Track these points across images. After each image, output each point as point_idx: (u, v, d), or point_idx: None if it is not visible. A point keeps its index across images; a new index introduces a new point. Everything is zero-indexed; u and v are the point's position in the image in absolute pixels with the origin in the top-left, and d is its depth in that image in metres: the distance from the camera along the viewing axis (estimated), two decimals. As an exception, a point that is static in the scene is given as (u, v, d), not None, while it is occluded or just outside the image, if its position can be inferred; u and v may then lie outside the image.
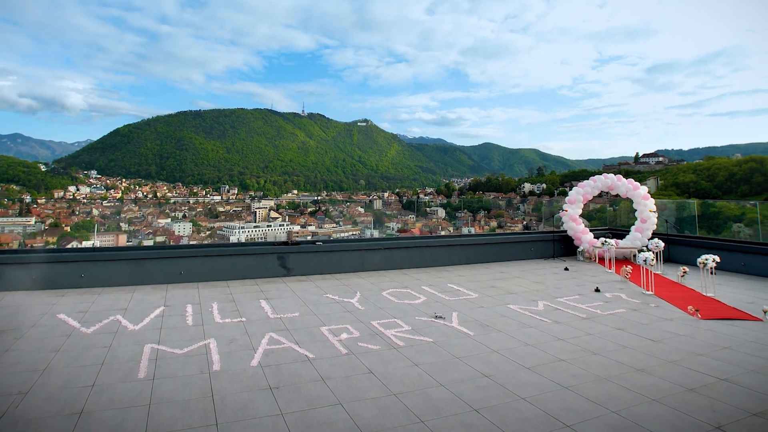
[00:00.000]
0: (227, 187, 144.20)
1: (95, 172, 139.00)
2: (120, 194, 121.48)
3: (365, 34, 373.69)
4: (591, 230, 17.02)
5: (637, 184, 16.28)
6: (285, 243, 13.45)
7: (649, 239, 15.31)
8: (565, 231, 16.83)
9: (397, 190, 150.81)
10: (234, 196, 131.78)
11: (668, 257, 15.78)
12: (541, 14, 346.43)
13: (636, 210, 16.26)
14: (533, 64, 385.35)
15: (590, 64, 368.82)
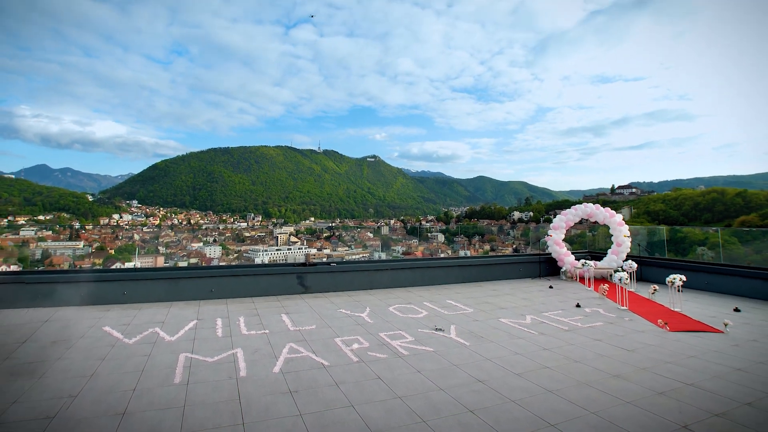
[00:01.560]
0: (252, 214, 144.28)
1: (136, 201, 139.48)
2: (158, 221, 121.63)
3: (331, 90, 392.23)
4: (573, 253, 16.99)
5: (613, 212, 16.30)
6: (303, 264, 13.49)
7: (623, 261, 15.31)
8: (550, 254, 16.81)
9: (402, 217, 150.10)
10: (258, 223, 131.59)
11: (641, 277, 15.75)
12: (478, 75, 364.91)
13: (612, 235, 16.26)
14: (488, 116, 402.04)
15: (528, 119, 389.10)
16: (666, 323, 9.55)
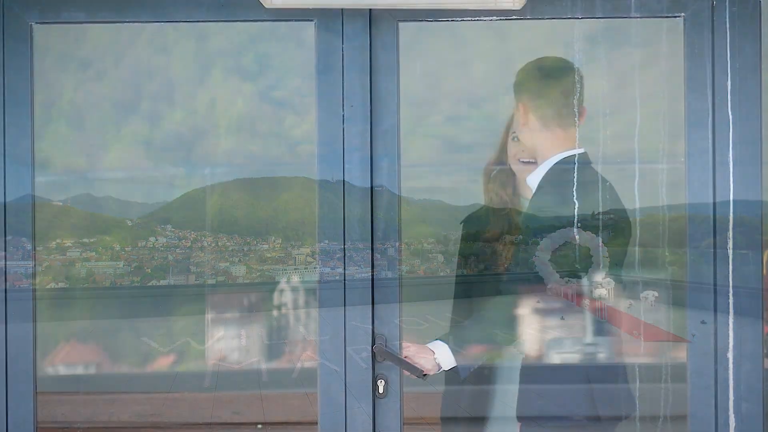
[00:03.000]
0: (273, 237, 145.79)
1: (170, 226, 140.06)
2: (189, 244, 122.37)
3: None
4: (557, 271, 17.05)
5: (593, 235, 16.39)
6: (318, 281, 13.57)
7: (603, 278, 15.37)
8: (537, 272, 16.88)
9: (406, 239, 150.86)
10: (278, 245, 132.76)
11: (618, 293, 15.79)
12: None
13: (592, 256, 16.35)
14: (461, 154, 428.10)
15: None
16: (639, 334, 9.56)
